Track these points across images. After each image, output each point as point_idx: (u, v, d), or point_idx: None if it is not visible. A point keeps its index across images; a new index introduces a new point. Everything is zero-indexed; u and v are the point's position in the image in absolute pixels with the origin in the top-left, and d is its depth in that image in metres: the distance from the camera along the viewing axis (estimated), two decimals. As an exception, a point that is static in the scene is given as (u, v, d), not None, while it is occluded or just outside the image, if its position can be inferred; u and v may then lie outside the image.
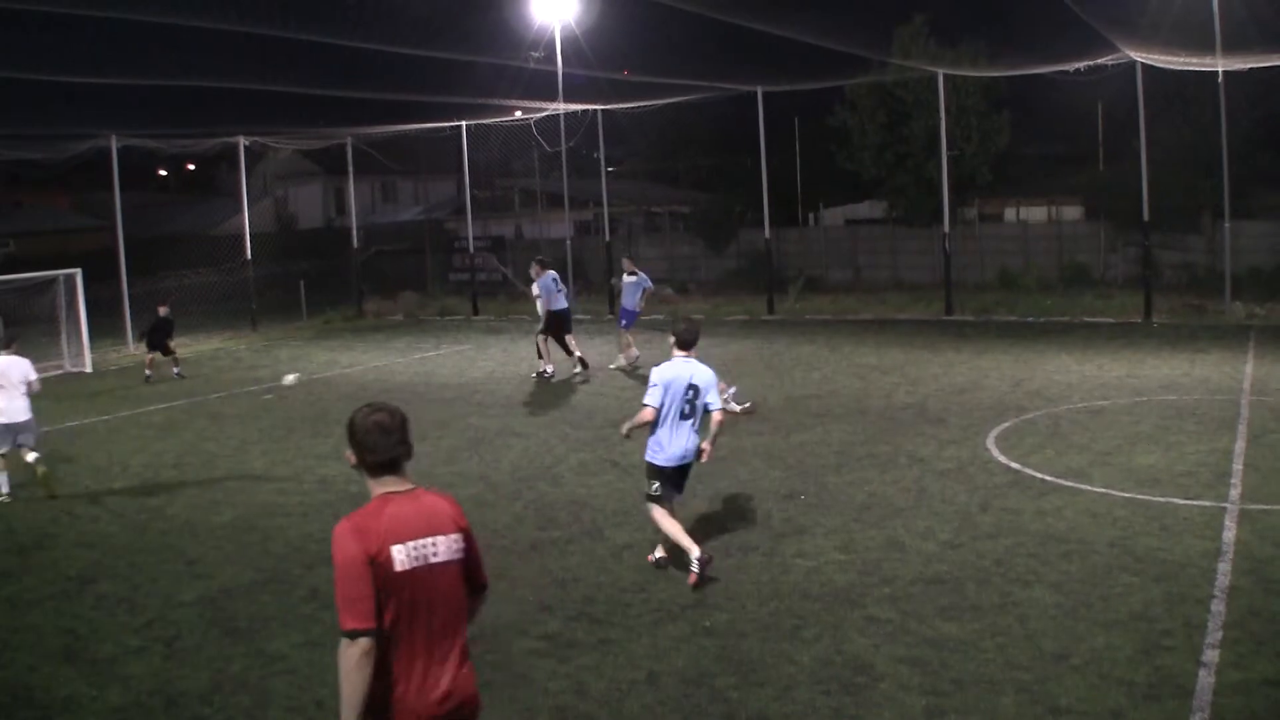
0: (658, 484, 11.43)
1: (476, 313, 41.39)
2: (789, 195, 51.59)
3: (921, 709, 8.28)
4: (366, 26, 30.07)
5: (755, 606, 10.35)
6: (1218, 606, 10.09)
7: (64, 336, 31.41)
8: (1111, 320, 32.36)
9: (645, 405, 11.29)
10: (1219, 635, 9.45)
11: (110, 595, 12.00)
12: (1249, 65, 31.41)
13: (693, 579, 10.96)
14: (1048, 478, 14.81)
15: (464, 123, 41.76)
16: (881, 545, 12.08)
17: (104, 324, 34.16)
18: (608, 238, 42.77)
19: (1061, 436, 17.39)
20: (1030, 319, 33.52)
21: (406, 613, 5.40)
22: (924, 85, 39.71)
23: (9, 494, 16.22)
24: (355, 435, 5.65)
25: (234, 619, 10.09)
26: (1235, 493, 13.98)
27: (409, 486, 5.66)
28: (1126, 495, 13.95)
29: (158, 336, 28.23)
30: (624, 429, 11.81)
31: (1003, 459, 15.90)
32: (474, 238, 45.67)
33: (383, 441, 5.61)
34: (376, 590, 5.35)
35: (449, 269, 49.40)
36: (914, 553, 11.82)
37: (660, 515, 11.41)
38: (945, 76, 36.36)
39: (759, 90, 36.63)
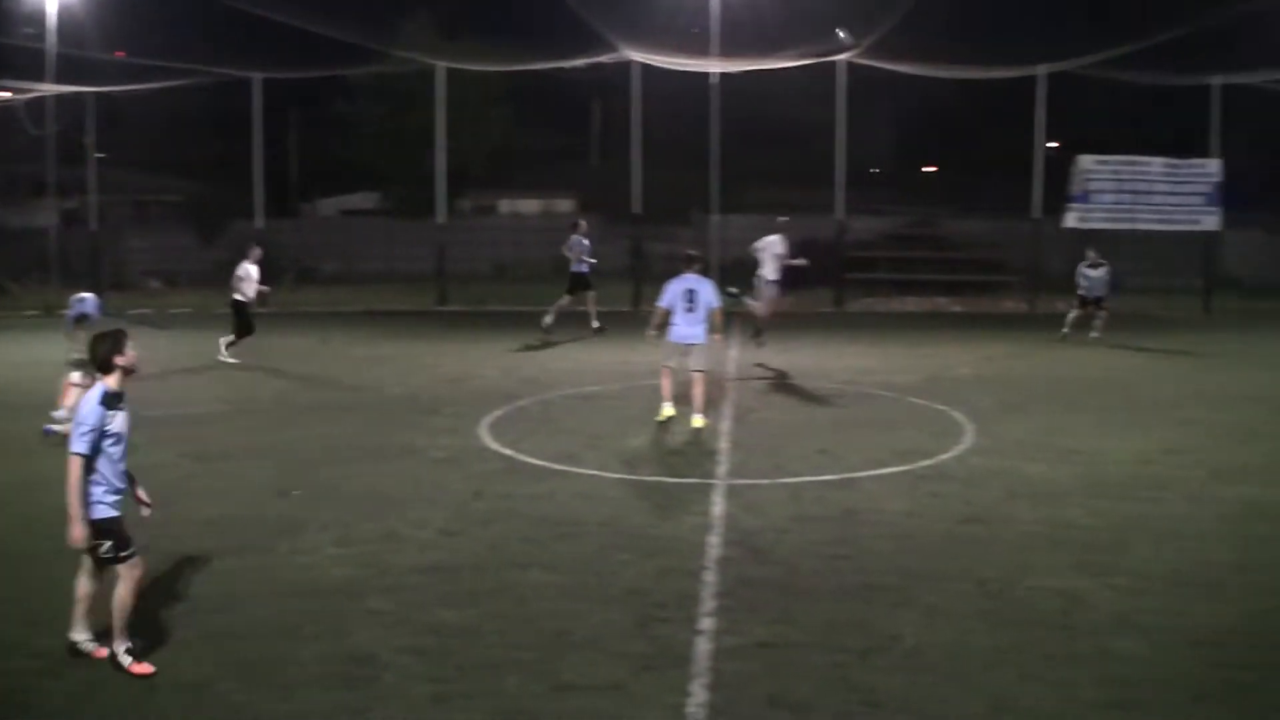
0: (110, 543, 8.84)
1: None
2: (285, 185, 50.58)
3: (428, 696, 8.21)
4: None
5: (254, 607, 9.95)
6: (710, 577, 10.59)
7: None
8: (602, 309, 33.27)
9: (75, 455, 8.63)
10: (713, 604, 9.89)
11: None
12: (741, 68, 33.42)
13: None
14: (540, 462, 15.10)
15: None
16: (378, 537, 11.91)
17: None
18: (94, 227, 40.51)
19: (553, 422, 17.85)
20: (521, 309, 34.11)
21: None
22: (425, 77, 39.68)
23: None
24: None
25: None
26: (722, 469, 14.76)
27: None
28: (617, 476, 14.46)
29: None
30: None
31: (495, 446, 16.10)
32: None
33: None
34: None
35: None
36: (411, 543, 11.74)
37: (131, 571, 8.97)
38: (446, 70, 36.57)
39: (256, 77, 35.65)
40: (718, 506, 13.05)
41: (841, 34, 35.71)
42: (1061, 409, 19.43)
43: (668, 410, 17.67)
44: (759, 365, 23.53)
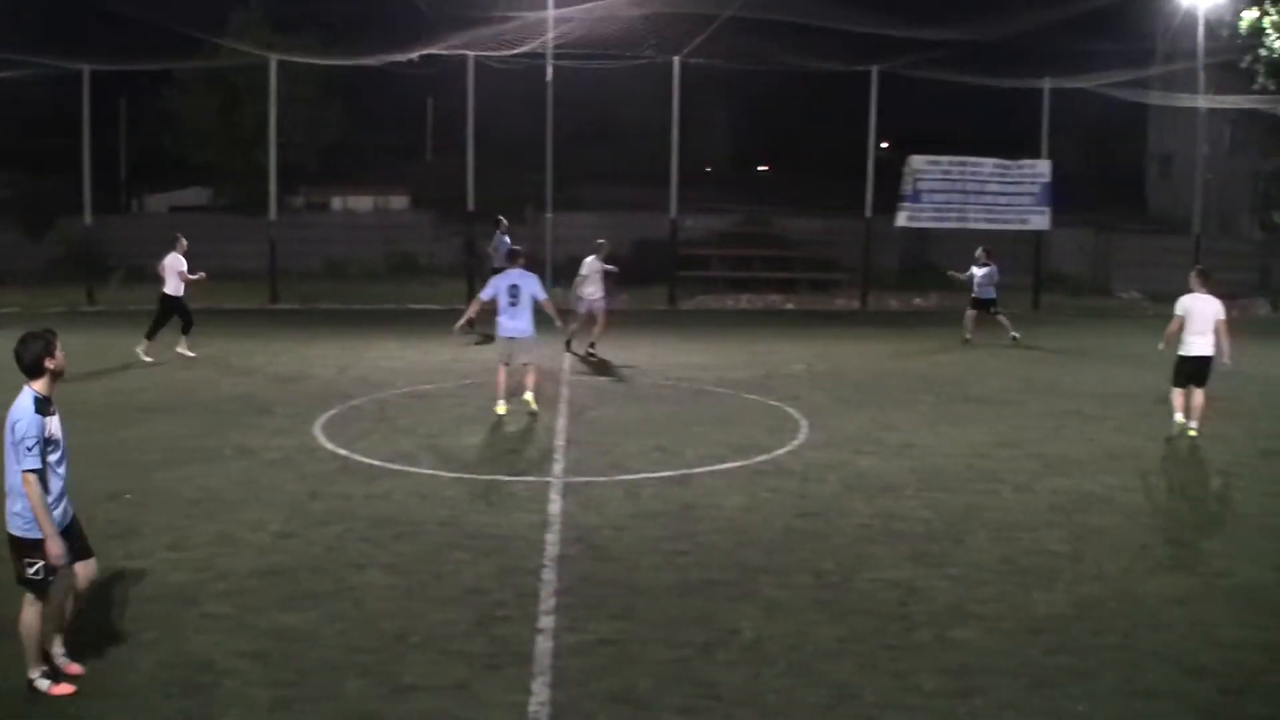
0: (42, 563, 8.18)
1: None
2: (114, 180, 49.38)
3: (268, 701, 8.11)
4: None
5: (89, 614, 9.69)
6: (549, 575, 10.63)
7: None
8: (437, 307, 33.27)
9: (29, 472, 7.97)
10: (552, 602, 9.93)
11: None
12: (576, 64, 33.61)
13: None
14: (376, 462, 15.01)
15: None
16: (214, 540, 11.70)
17: None
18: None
19: (388, 421, 17.77)
20: (356, 307, 33.84)
21: None
22: (258, 71, 38.97)
23: None
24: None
25: None
26: (559, 467, 14.82)
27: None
28: (454, 475, 14.43)
29: None
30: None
31: (330, 446, 15.95)
32: None
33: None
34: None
35: None
36: (247, 545, 11.55)
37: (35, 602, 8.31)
38: (279, 63, 36.00)
39: (85, 69, 34.70)
40: (555, 504, 13.08)
41: None
42: (895, 404, 19.82)
43: (500, 408, 17.86)
44: (592, 356, 23.99)
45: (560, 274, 32.82)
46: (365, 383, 21.06)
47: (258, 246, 37.07)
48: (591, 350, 24.24)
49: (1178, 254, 38.14)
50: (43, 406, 8.13)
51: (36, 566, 8.18)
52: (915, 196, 36.66)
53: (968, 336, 27.93)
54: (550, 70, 35.34)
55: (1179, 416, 17.24)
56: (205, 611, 9.74)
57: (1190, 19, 39.56)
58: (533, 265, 19.46)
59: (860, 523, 12.61)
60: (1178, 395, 17.27)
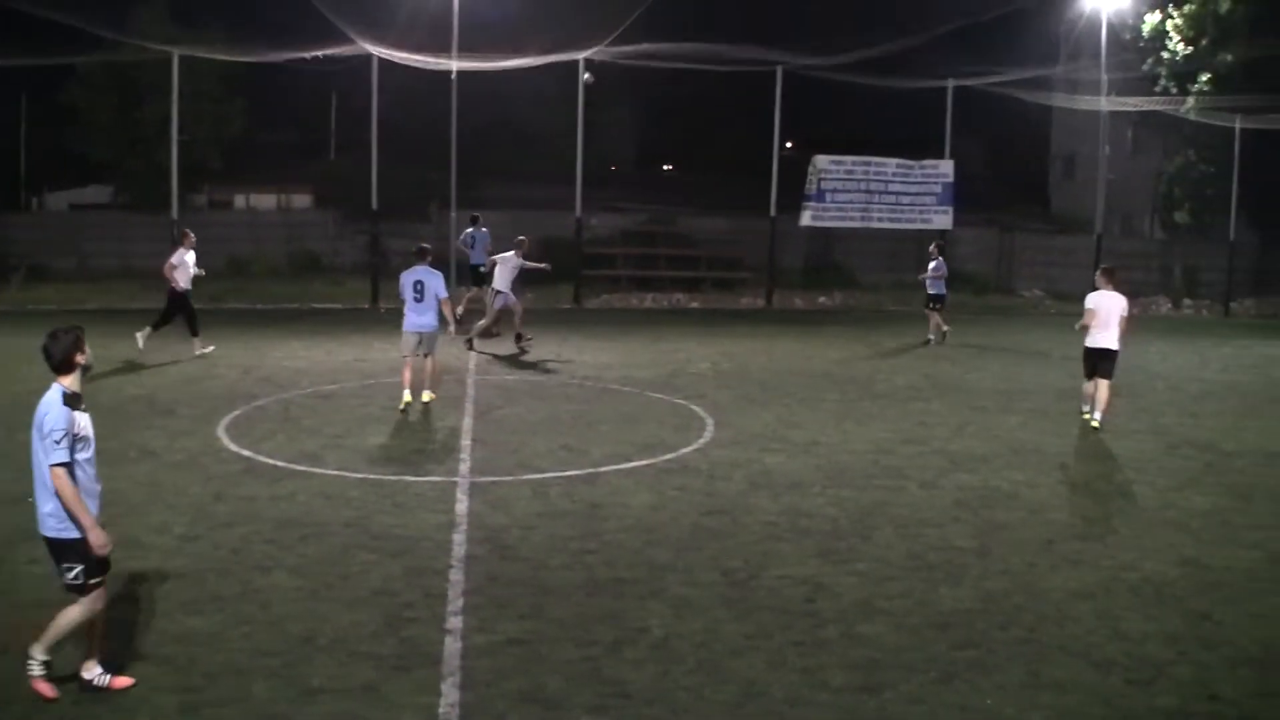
0: (81, 567, 8.16)
1: None
2: (15, 178, 48.57)
3: (175, 706, 8.03)
4: None
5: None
6: (456, 575, 10.62)
7: None
8: (340, 306, 33.16)
9: (57, 466, 8.08)
10: (460, 603, 9.93)
11: None
12: (480, 66, 33.59)
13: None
14: (280, 463, 14.90)
15: None
16: (118, 544, 11.26)
17: None
18: None
19: (293, 421, 17.62)
20: (260, 306, 33.51)
21: None
22: (160, 67, 38.37)
23: None
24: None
25: None
26: (465, 467, 14.82)
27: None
28: (360, 476, 14.37)
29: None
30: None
31: (234, 447, 15.80)
32: None
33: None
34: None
35: None
36: (151, 549, 11.40)
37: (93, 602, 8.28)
38: (181, 59, 35.50)
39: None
40: (462, 504, 13.07)
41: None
42: (800, 402, 19.97)
43: (406, 397, 18.21)
44: (524, 350, 24.78)
45: (464, 271, 32.73)
46: (270, 383, 20.87)
47: (159, 245, 36.43)
48: (521, 341, 25.39)
49: (1080, 253, 38.86)
50: (72, 401, 8.15)
51: (75, 571, 8.14)
52: (819, 196, 37.01)
53: (945, 328, 28.54)
54: (455, 69, 35.24)
55: (1086, 406, 18.26)
56: (111, 615, 9.53)
57: (1094, 22, 40.17)
58: (438, 263, 19.49)
59: (767, 520, 12.70)
60: (1089, 386, 18.15)
